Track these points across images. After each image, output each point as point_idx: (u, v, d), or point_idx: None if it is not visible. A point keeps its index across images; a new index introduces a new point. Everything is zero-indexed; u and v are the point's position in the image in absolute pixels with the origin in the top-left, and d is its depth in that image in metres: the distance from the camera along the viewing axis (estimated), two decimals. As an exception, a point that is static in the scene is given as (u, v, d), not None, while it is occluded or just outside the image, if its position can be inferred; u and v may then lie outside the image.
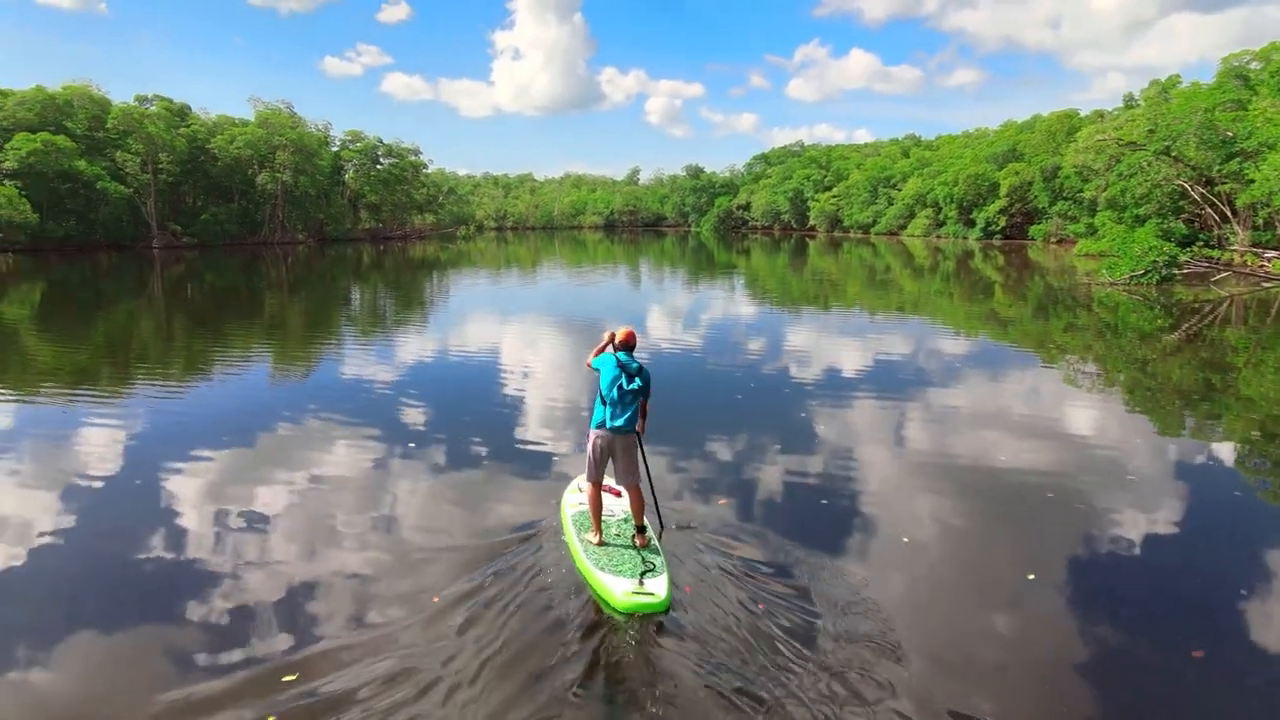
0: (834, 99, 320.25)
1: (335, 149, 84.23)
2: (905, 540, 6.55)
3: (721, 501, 7.36)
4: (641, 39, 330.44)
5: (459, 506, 7.42)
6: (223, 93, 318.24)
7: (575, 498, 6.91)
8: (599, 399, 6.09)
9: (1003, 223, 66.94)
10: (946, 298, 28.40)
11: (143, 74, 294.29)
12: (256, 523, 7.03)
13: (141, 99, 67.09)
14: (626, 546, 6.01)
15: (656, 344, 17.35)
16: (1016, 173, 65.11)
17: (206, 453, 9.09)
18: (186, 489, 7.89)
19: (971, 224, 70.04)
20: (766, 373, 14.14)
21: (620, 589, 5.32)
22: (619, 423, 5.98)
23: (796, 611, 5.22)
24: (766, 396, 12.24)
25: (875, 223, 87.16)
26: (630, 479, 6.15)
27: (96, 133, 60.26)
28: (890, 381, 13.17)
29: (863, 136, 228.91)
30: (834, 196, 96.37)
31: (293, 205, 73.38)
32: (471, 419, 10.89)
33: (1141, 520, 7.11)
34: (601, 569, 5.60)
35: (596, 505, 6.14)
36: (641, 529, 6.13)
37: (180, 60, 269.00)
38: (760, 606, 5.26)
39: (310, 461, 8.75)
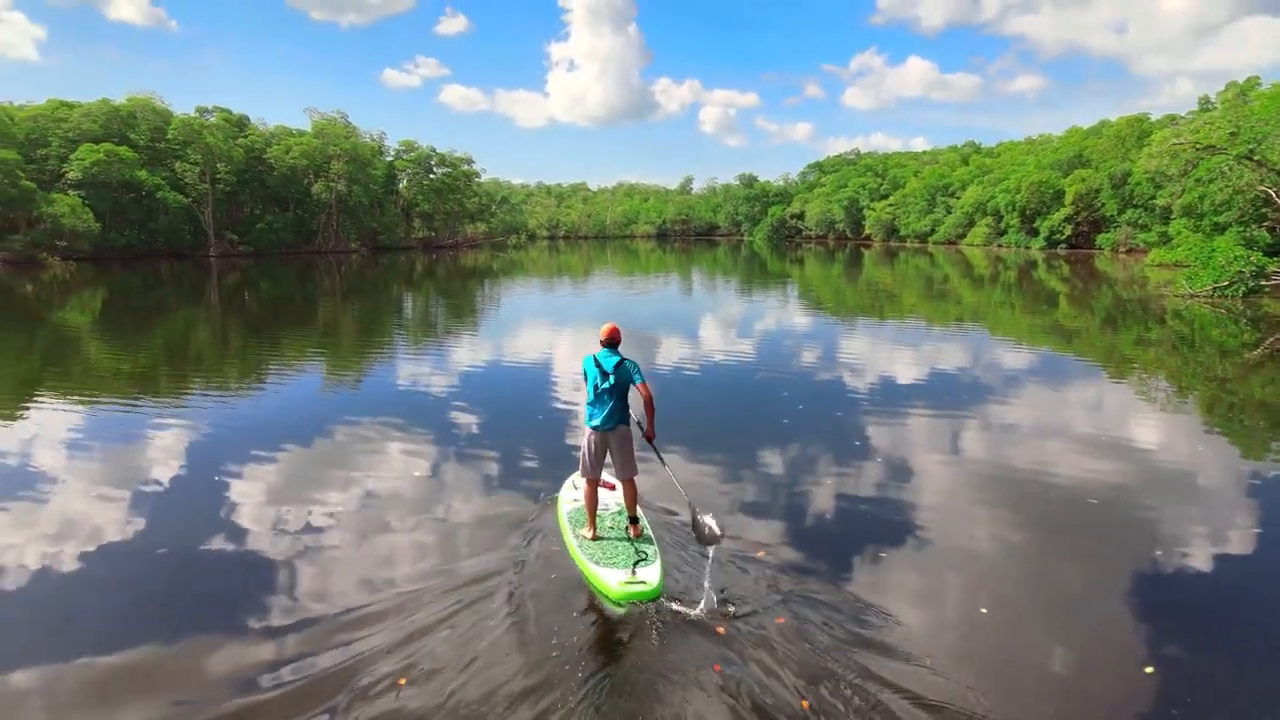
0: (890, 107, 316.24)
1: (389, 159, 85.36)
2: (984, 611, 5.46)
3: (760, 554, 6.35)
4: (696, 49, 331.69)
5: (474, 504, 7.70)
6: (286, 105, 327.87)
7: (570, 494, 7.15)
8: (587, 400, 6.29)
9: (1068, 231, 63.95)
10: (1008, 308, 26.81)
11: (210, 87, 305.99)
12: (298, 522, 7.27)
13: (202, 110, 68.77)
14: (620, 539, 6.22)
15: (709, 355, 16.76)
16: (1083, 180, 62.19)
17: (263, 452, 9.45)
18: (235, 490, 8.16)
19: (1035, 233, 67.33)
20: (817, 392, 13.08)
21: (614, 580, 5.49)
22: (598, 421, 6.15)
23: (848, 701, 4.30)
24: (816, 421, 11.17)
25: (933, 231, 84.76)
26: (626, 473, 6.27)
27: (158, 143, 61.85)
28: (955, 405, 11.97)
29: (920, 145, 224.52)
30: (890, 205, 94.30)
31: (347, 214, 74.44)
32: (503, 421, 11.15)
33: None
34: (596, 562, 5.78)
35: (592, 502, 6.32)
36: (635, 520, 6.34)
37: (246, 73, 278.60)
38: (805, 704, 4.30)
39: (355, 463, 9.06)
